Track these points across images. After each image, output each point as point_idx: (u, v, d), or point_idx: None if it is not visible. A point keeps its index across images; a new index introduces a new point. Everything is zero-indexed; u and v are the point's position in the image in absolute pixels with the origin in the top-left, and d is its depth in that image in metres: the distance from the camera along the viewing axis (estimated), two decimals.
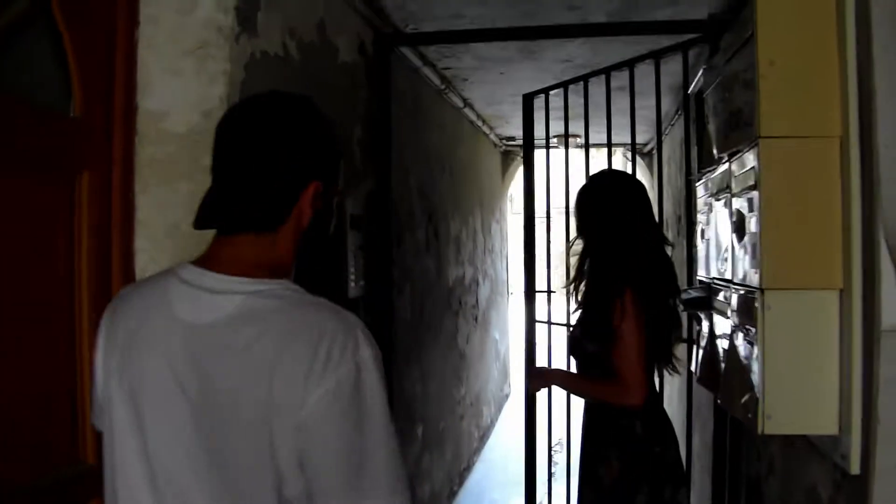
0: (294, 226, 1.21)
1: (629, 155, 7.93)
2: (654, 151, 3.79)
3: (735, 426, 3.03)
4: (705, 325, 2.59)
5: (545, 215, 3.92)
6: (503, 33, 3.52)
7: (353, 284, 2.89)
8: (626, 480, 2.29)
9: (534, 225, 3.89)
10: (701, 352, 2.67)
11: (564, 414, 3.51)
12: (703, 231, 2.70)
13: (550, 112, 5.49)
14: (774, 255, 1.78)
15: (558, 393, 3.29)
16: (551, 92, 3.78)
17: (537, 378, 2.63)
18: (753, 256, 1.85)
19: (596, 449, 2.38)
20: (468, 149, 5.64)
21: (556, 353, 3.13)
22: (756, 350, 1.82)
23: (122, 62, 1.90)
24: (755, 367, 1.83)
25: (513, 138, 7.02)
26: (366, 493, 1.09)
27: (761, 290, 1.79)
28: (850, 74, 1.69)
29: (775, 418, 1.79)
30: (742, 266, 1.97)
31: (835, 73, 1.73)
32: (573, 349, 2.49)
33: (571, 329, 2.52)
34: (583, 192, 2.52)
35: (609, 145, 3.60)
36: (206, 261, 1.21)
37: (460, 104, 5.09)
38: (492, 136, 6.63)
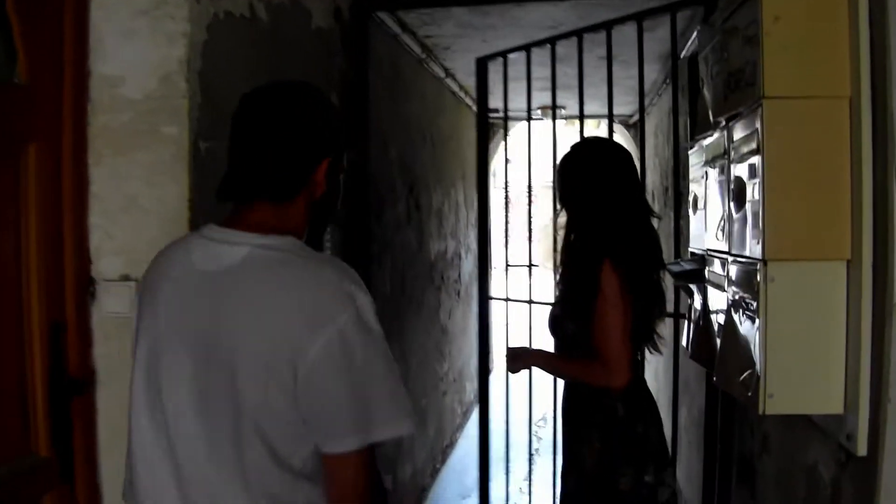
0: (307, 197, 1.33)
1: (614, 127, 7.83)
2: (644, 123, 3.63)
3: (726, 402, 2.94)
4: (698, 299, 2.49)
5: (527, 189, 3.75)
6: None
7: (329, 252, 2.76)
8: (608, 462, 2.19)
9: (487, 198, 3.76)
10: (693, 327, 2.57)
11: (551, 389, 3.42)
12: (695, 201, 2.58)
13: (536, 81, 5.37)
14: (778, 224, 1.66)
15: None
16: (535, 57, 3.61)
17: (515, 359, 2.48)
18: (755, 226, 1.73)
19: (576, 430, 2.29)
20: (450, 120, 5.49)
21: (534, 332, 2.97)
22: (757, 325, 1.71)
23: (72, 24, 1.75)
24: (756, 343, 1.72)
25: (496, 110, 6.86)
26: (376, 424, 1.20)
27: (763, 261, 1.67)
28: (862, 30, 1.57)
29: (777, 397, 1.68)
30: (741, 236, 1.85)
31: (844, 28, 1.61)
32: (553, 328, 2.36)
33: (551, 307, 2.40)
34: (564, 161, 2.39)
35: (581, 117, 3.45)
36: (227, 222, 1.30)
37: (441, 74, 4.94)
38: (474, 108, 6.47)
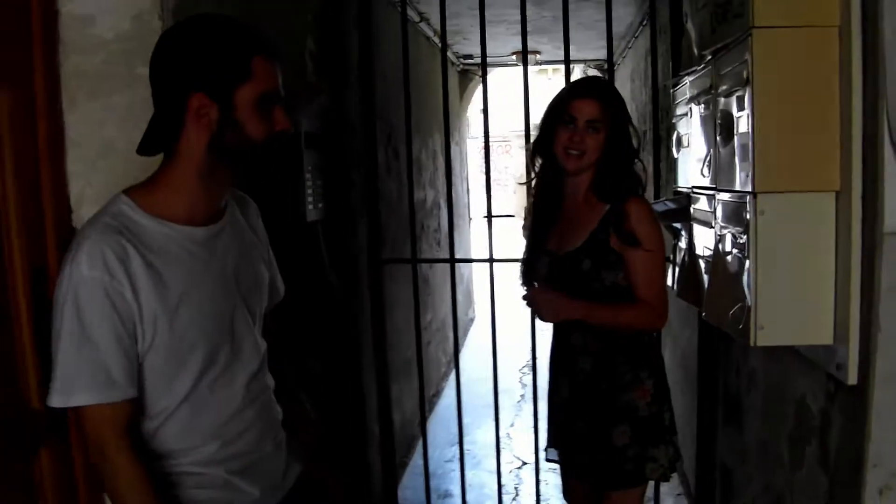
0: (187, 145, 1.35)
1: (588, 71, 7.75)
2: (612, 65, 3.56)
3: (713, 339, 2.97)
4: (683, 237, 2.49)
5: (484, 141, 3.61)
6: None
7: (310, 207, 2.72)
8: (659, 400, 2.13)
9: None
10: (678, 266, 2.58)
11: (528, 337, 3.42)
12: (679, 139, 2.57)
13: (510, 26, 5.29)
14: (767, 156, 1.66)
15: (523, 316, 3.18)
16: None
17: (555, 307, 2.12)
18: (743, 159, 1.73)
19: (620, 378, 2.11)
20: (425, 67, 5.40)
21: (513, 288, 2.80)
22: (747, 258, 1.72)
23: None
24: (746, 276, 1.73)
25: (471, 56, 6.78)
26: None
27: (753, 194, 1.67)
28: None
29: (768, 329, 1.70)
30: (729, 171, 1.85)
31: None
32: (583, 285, 2.10)
33: (568, 264, 2.13)
34: (613, 91, 2.20)
35: (567, 62, 3.35)
36: None
37: (416, 18, 4.85)
38: (449, 54, 6.38)
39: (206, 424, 1.41)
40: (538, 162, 2.24)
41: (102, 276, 1.27)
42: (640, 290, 2.03)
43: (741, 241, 1.75)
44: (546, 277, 2.19)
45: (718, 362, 2.92)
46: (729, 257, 1.86)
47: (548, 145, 2.15)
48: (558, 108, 2.12)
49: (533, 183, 2.29)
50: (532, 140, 2.26)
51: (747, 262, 1.71)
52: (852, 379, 1.62)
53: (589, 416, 2.13)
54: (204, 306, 1.39)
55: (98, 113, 1.75)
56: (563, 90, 2.21)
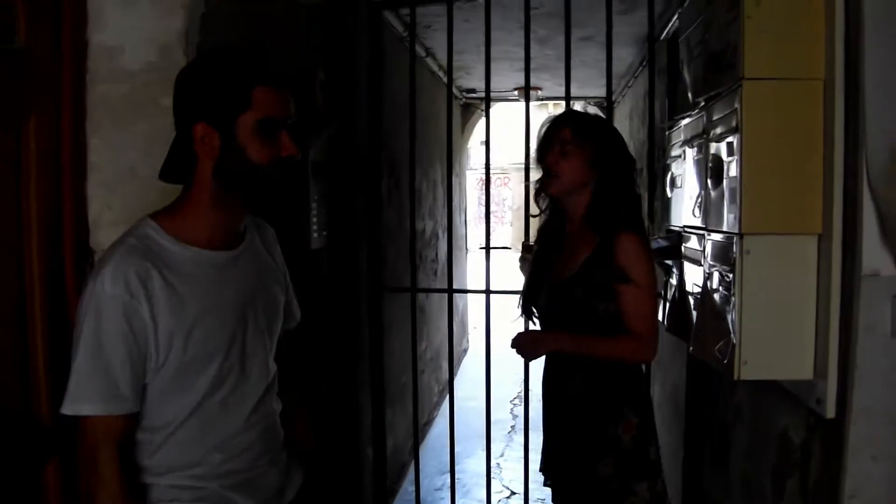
0: (200, 172, 1.44)
1: (588, 108, 7.88)
2: (611, 102, 3.67)
3: (701, 374, 3.05)
4: (674, 275, 2.58)
5: (485, 171, 3.66)
6: None
7: (315, 235, 2.80)
8: (644, 435, 2.13)
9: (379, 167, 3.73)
10: (668, 302, 2.67)
11: (521, 368, 3.47)
12: (673, 180, 2.67)
13: (513, 62, 5.43)
14: (754, 200, 1.75)
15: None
16: (510, 37, 3.62)
17: (535, 343, 2.21)
18: (732, 201, 1.82)
19: (606, 410, 2.13)
20: (428, 100, 5.52)
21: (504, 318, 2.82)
22: (733, 296, 1.80)
23: None
24: (731, 312, 1.81)
25: (473, 90, 6.92)
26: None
27: (740, 234, 1.76)
28: (838, 14, 1.65)
29: (751, 363, 1.78)
30: (718, 212, 1.94)
31: (821, 12, 1.69)
32: (576, 313, 2.13)
33: (562, 292, 2.18)
34: (600, 123, 2.26)
35: (568, 98, 3.47)
36: None
37: (422, 53, 4.97)
38: (453, 88, 6.52)
39: (208, 442, 1.46)
40: (542, 199, 2.31)
41: (123, 295, 1.34)
42: (629, 323, 2.08)
43: (728, 280, 1.84)
44: (543, 306, 2.26)
45: (706, 397, 2.99)
46: (716, 294, 1.94)
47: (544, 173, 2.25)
48: (541, 144, 2.24)
49: (539, 215, 2.35)
50: (537, 180, 2.31)
51: (733, 300, 1.79)
52: (830, 413, 1.69)
53: (576, 445, 2.18)
54: (218, 328, 1.45)
55: (121, 140, 1.83)
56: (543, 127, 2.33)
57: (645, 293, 2.06)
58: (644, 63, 4.80)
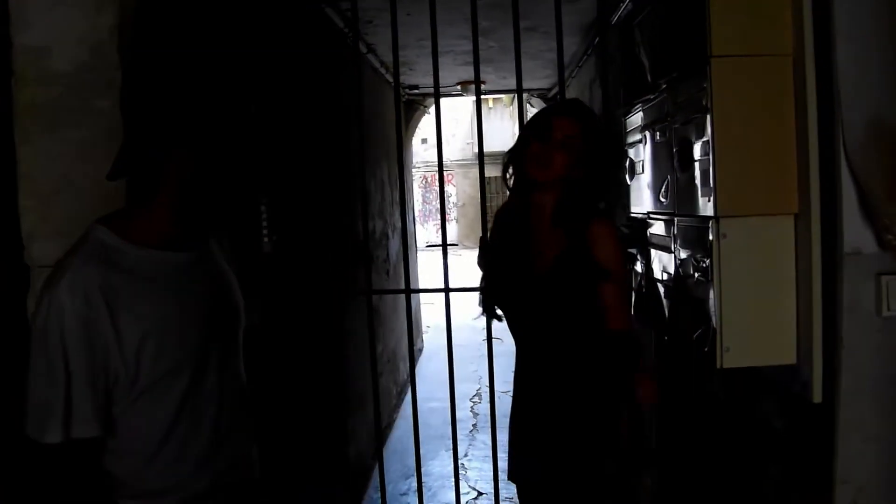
0: (167, 175, 1.35)
1: (531, 101, 7.87)
2: (564, 92, 3.57)
3: (671, 362, 3.01)
4: (639, 262, 2.53)
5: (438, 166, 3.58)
6: None
7: (266, 240, 2.68)
8: (637, 429, 1.99)
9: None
10: (635, 291, 2.61)
11: (478, 367, 3.38)
12: (632, 166, 2.62)
13: (458, 56, 5.36)
14: (728, 182, 1.70)
15: (476, 342, 3.15)
16: (456, 30, 3.53)
17: (649, 386, 1.99)
18: (705, 184, 1.76)
19: (604, 410, 2.00)
20: (372, 98, 5.41)
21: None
22: (710, 282, 1.75)
23: None
24: (710, 299, 1.76)
25: (416, 87, 6.82)
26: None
27: (716, 218, 1.71)
28: None
29: (734, 350, 1.73)
30: (688, 196, 1.89)
31: None
32: (556, 311, 1.97)
33: (538, 290, 2.01)
34: (591, 117, 2.06)
35: (519, 90, 3.36)
36: None
37: (363, 49, 4.85)
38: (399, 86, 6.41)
39: (190, 458, 1.39)
40: (510, 176, 2.16)
41: (82, 307, 1.24)
42: (611, 319, 1.98)
43: (703, 265, 1.78)
44: (514, 304, 2.15)
45: (677, 386, 2.95)
46: (690, 281, 1.89)
47: (519, 159, 2.11)
48: (537, 123, 2.08)
49: (496, 207, 2.22)
50: (507, 153, 2.17)
51: (711, 286, 1.74)
52: (817, 397, 1.65)
53: (575, 448, 2.08)
54: (187, 333, 1.37)
55: (53, 146, 1.70)
56: (546, 108, 2.18)
57: (623, 287, 1.95)
58: (589, 52, 4.78)
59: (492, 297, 2.16)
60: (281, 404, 2.74)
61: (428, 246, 15.88)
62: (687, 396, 2.67)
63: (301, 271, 3.22)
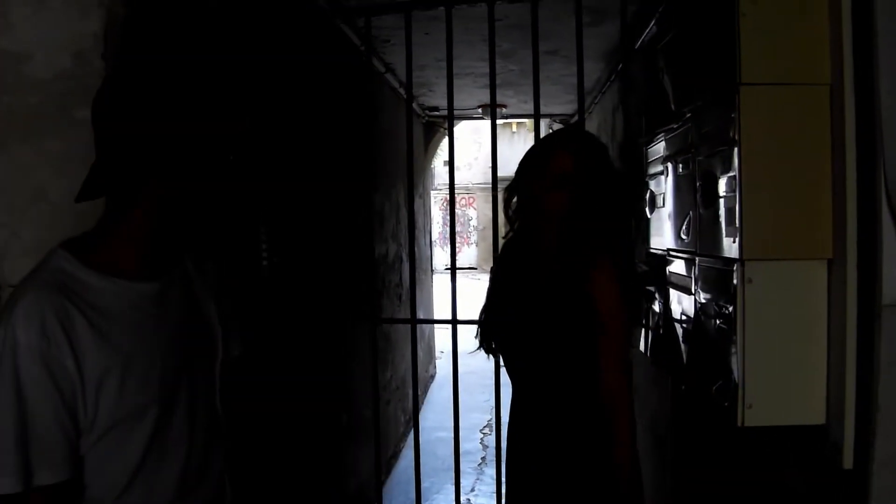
0: (145, 194, 1.22)
1: (553, 126, 7.75)
2: (584, 118, 3.42)
3: (689, 414, 2.84)
4: (657, 302, 2.38)
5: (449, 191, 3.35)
6: None
7: (265, 263, 2.56)
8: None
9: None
10: (651, 331, 2.46)
11: (491, 394, 3.22)
12: (653, 199, 2.47)
13: (477, 79, 5.24)
14: (755, 221, 1.55)
15: (489, 369, 2.99)
16: (474, 52, 3.41)
17: None
18: (730, 223, 1.61)
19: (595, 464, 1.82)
20: (389, 118, 5.31)
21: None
22: (733, 331, 1.59)
23: None
24: (732, 350, 1.60)
25: (436, 108, 6.72)
26: None
27: (741, 261, 1.56)
28: (845, 11, 1.46)
29: (757, 408, 1.57)
30: (711, 235, 1.74)
31: (825, 9, 1.50)
32: (547, 347, 1.81)
33: (527, 330, 1.86)
34: (597, 148, 1.90)
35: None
36: None
37: (381, 69, 4.76)
38: (414, 106, 6.32)
39: (143, 500, 1.26)
40: (512, 209, 2.01)
41: (40, 343, 1.12)
42: (605, 376, 1.74)
43: (726, 312, 1.63)
44: (506, 340, 1.99)
45: (693, 438, 2.78)
46: (711, 328, 1.73)
47: (521, 194, 1.95)
48: (531, 158, 1.92)
49: (503, 236, 2.08)
50: (507, 187, 2.02)
51: (734, 335, 1.58)
52: (848, 462, 1.49)
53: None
54: (153, 370, 1.24)
55: (30, 157, 1.60)
56: (541, 140, 2.02)
57: (619, 342, 1.75)
58: (613, 78, 4.65)
59: (487, 334, 2.02)
60: (273, 435, 2.61)
61: (446, 269, 15.78)
62: (703, 453, 2.51)
63: (304, 295, 3.09)
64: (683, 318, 2.00)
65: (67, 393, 1.14)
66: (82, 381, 1.15)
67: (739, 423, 1.57)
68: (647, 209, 2.54)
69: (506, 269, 2.02)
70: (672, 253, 2.13)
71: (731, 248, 1.60)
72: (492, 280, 2.08)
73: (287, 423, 2.76)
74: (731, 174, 1.60)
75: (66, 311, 1.15)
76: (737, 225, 1.56)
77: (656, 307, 2.39)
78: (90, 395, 1.16)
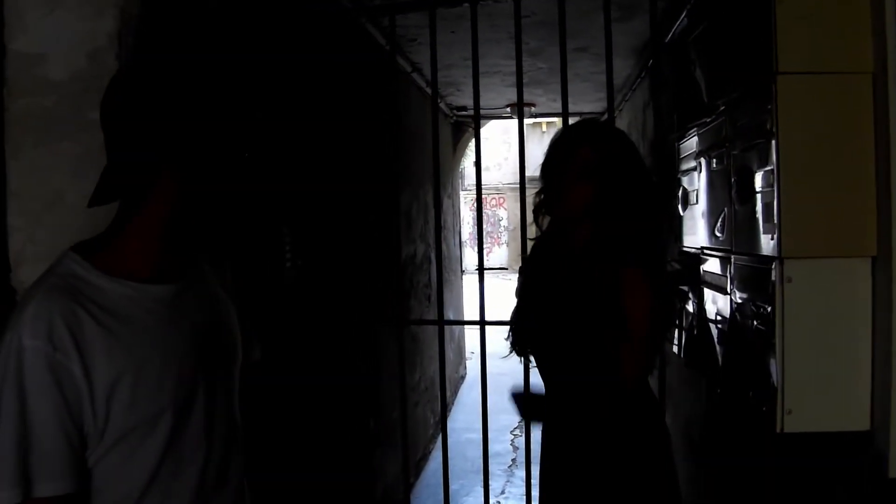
0: (158, 195, 1.19)
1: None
2: (613, 115, 3.35)
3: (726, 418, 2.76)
4: (691, 302, 2.30)
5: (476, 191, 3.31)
6: None
7: (288, 265, 2.53)
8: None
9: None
10: (685, 332, 2.39)
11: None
12: (686, 195, 2.40)
13: (505, 77, 5.18)
14: (795, 218, 1.47)
15: (519, 370, 2.95)
16: (502, 49, 3.37)
17: None
18: (767, 220, 1.54)
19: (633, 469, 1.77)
20: (417, 118, 5.27)
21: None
22: (772, 333, 1.52)
23: None
24: (771, 353, 1.53)
25: (464, 108, 6.67)
26: None
27: (780, 259, 1.48)
28: None
29: (797, 413, 1.49)
30: (748, 232, 1.66)
31: None
32: (578, 346, 1.76)
33: (560, 331, 1.81)
34: (626, 141, 1.84)
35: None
36: None
37: (408, 68, 4.71)
38: (442, 106, 6.26)
39: (172, 500, 1.23)
40: (543, 213, 1.95)
41: (46, 348, 1.08)
42: (625, 369, 1.70)
43: (764, 312, 1.56)
44: (537, 341, 1.93)
45: (730, 441, 2.70)
46: (748, 329, 1.66)
47: (547, 191, 1.88)
48: (553, 152, 1.85)
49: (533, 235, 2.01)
50: (538, 191, 1.95)
51: (772, 337, 1.51)
52: (893, 471, 1.41)
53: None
54: (167, 377, 1.20)
55: (45, 160, 1.57)
56: (562, 133, 1.94)
57: (642, 346, 1.65)
58: (643, 74, 4.56)
59: (518, 335, 1.96)
60: (297, 441, 2.58)
61: (477, 269, 15.68)
62: (740, 460, 2.43)
63: (330, 297, 3.06)
64: (719, 318, 1.93)
65: (73, 401, 1.10)
66: (91, 387, 1.11)
67: (778, 429, 1.49)
68: (679, 206, 2.47)
69: (535, 268, 1.96)
70: (706, 251, 2.06)
71: (768, 245, 1.53)
72: (521, 281, 2.02)
73: (312, 429, 2.73)
74: (768, 168, 1.53)
75: (75, 315, 1.11)
76: (775, 221, 1.49)
77: (690, 307, 2.31)
78: (100, 402, 1.12)
